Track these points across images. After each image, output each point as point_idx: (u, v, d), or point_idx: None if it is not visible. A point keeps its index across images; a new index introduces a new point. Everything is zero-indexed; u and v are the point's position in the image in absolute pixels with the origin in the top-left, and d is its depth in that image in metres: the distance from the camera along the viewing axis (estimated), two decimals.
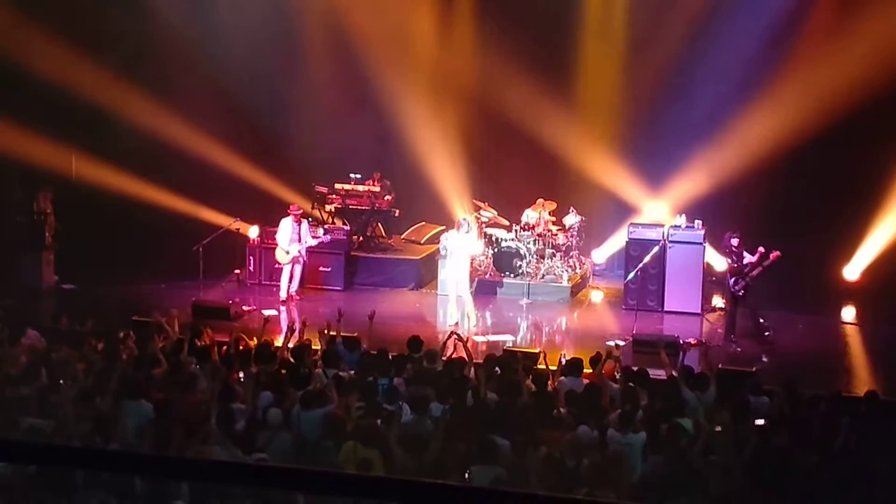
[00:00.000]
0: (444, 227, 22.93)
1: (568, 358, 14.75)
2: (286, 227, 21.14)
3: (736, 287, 18.72)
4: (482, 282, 21.67)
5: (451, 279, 19.92)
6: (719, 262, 21.78)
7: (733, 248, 18.77)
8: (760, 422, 12.20)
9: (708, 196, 21.96)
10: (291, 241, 21.09)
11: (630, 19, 23.28)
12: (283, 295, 21.09)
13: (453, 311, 19.73)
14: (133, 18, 22.47)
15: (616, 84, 23.34)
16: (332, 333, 15.16)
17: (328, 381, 13.07)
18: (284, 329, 17.32)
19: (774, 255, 18.41)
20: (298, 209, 21.56)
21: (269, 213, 22.55)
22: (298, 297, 21.21)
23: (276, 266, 21.80)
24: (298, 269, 21.32)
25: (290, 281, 21.24)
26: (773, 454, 11.02)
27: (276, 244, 21.38)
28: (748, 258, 18.65)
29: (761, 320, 18.83)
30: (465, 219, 20.35)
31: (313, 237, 21.42)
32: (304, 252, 21.22)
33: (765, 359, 17.57)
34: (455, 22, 24.48)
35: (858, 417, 12.56)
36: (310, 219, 22.70)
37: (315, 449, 11.34)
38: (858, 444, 11.52)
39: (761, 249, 18.55)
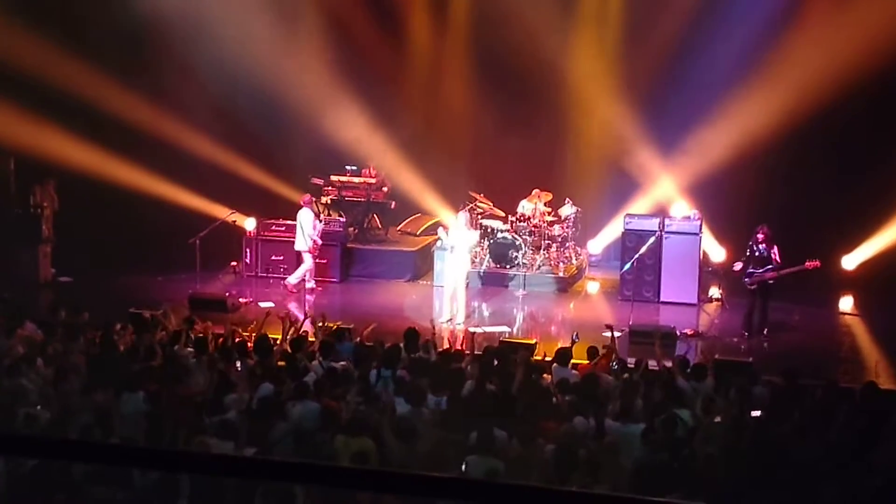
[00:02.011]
0: (439, 219, 22.99)
1: (559, 348, 14.78)
2: (310, 217, 21.22)
3: (746, 280, 18.61)
4: (486, 275, 21.68)
5: (451, 273, 19.90)
6: (717, 253, 21.81)
7: (756, 241, 18.47)
8: (756, 413, 12.23)
9: (707, 182, 21.95)
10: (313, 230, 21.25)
11: (626, 4, 23.24)
12: (310, 284, 21.23)
13: (449, 304, 19.73)
14: (126, 14, 22.41)
15: (612, 71, 23.30)
16: (328, 325, 15.19)
17: (323, 373, 13.13)
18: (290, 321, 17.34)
19: (812, 263, 18.22)
20: (311, 198, 21.63)
21: (266, 205, 22.63)
22: (296, 290, 21.22)
23: (273, 258, 21.93)
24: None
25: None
26: (770, 445, 11.04)
27: (284, 236, 21.55)
28: (775, 256, 18.38)
29: (752, 325, 18.68)
30: (460, 214, 20.36)
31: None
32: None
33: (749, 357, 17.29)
34: (449, 12, 24.48)
35: (855, 408, 12.59)
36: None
37: (312, 441, 11.35)
38: (855, 435, 11.54)
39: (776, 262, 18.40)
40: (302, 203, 21.43)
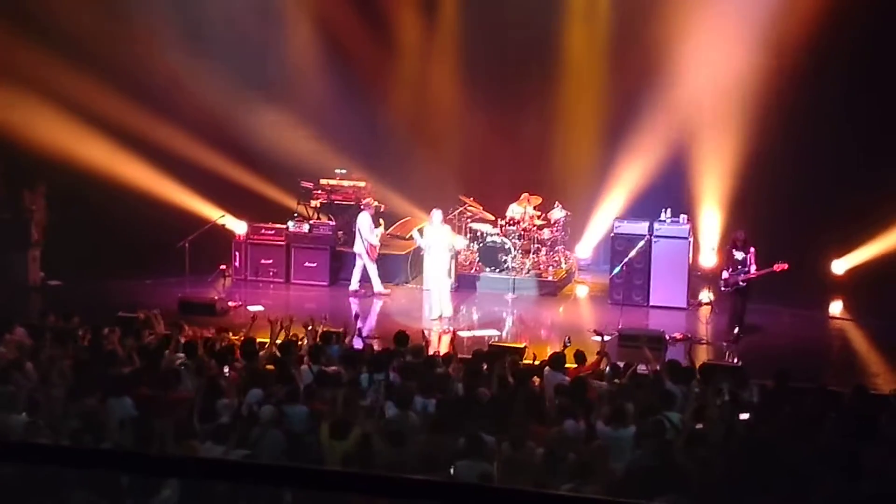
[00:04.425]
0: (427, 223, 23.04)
1: (552, 352, 14.78)
2: (368, 221, 21.28)
3: (721, 283, 18.76)
4: (467, 276, 21.71)
5: (431, 273, 19.95)
6: (708, 258, 21.82)
7: (735, 245, 18.61)
8: (745, 416, 12.24)
9: (697, 186, 21.97)
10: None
11: (615, 2, 23.21)
12: (380, 287, 21.41)
13: (435, 305, 19.75)
14: (117, 17, 22.41)
15: (602, 75, 23.26)
16: (317, 329, 15.17)
17: (313, 377, 13.12)
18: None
19: (780, 266, 18.25)
20: (372, 203, 21.68)
21: (255, 209, 22.64)
22: (363, 294, 21.52)
23: (262, 262, 21.98)
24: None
25: (365, 274, 21.50)
26: (759, 448, 11.04)
27: (273, 239, 21.43)
28: (750, 259, 18.45)
29: (736, 327, 18.74)
30: (434, 212, 20.32)
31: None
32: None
33: (737, 361, 17.32)
34: (440, 16, 24.48)
35: (844, 411, 12.61)
36: (295, 214, 22.87)
37: (302, 444, 11.34)
38: (844, 439, 11.55)
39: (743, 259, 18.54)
40: (362, 207, 21.54)
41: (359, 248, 21.32)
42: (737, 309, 18.68)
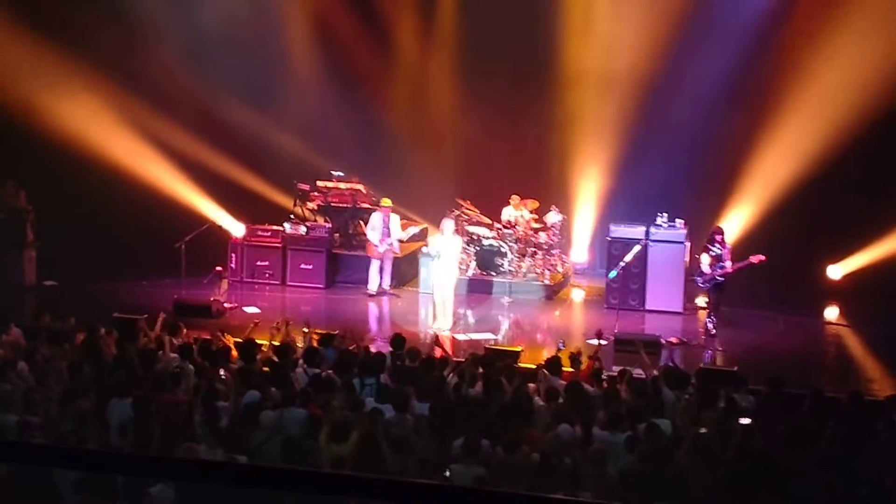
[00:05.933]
0: (425, 226, 23.03)
1: (548, 356, 14.78)
2: (377, 221, 21.40)
3: (698, 279, 18.87)
4: (473, 281, 21.67)
5: (438, 280, 19.90)
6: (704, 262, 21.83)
7: (713, 241, 18.67)
8: (745, 421, 12.23)
9: (693, 190, 21.98)
10: (382, 235, 21.41)
11: (613, 11, 23.20)
12: (373, 289, 21.45)
13: (441, 309, 19.70)
14: (114, 16, 22.41)
15: (599, 79, 23.24)
16: (313, 332, 15.17)
17: (309, 380, 13.11)
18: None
19: (756, 258, 18.25)
20: (387, 206, 21.74)
21: (251, 210, 22.62)
22: (393, 293, 21.58)
23: (258, 264, 21.95)
24: (389, 263, 21.62)
25: (382, 275, 21.56)
26: (756, 453, 11.04)
27: (269, 241, 21.68)
28: (726, 255, 18.53)
29: (711, 325, 18.74)
30: (445, 222, 20.30)
31: (404, 230, 21.92)
32: (396, 246, 21.65)
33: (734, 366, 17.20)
34: (436, 20, 24.48)
35: (841, 417, 12.61)
36: (291, 216, 22.83)
37: (299, 448, 11.33)
38: (840, 444, 11.55)
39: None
40: (378, 207, 21.85)
41: (370, 249, 21.47)
42: (715, 305, 18.78)
